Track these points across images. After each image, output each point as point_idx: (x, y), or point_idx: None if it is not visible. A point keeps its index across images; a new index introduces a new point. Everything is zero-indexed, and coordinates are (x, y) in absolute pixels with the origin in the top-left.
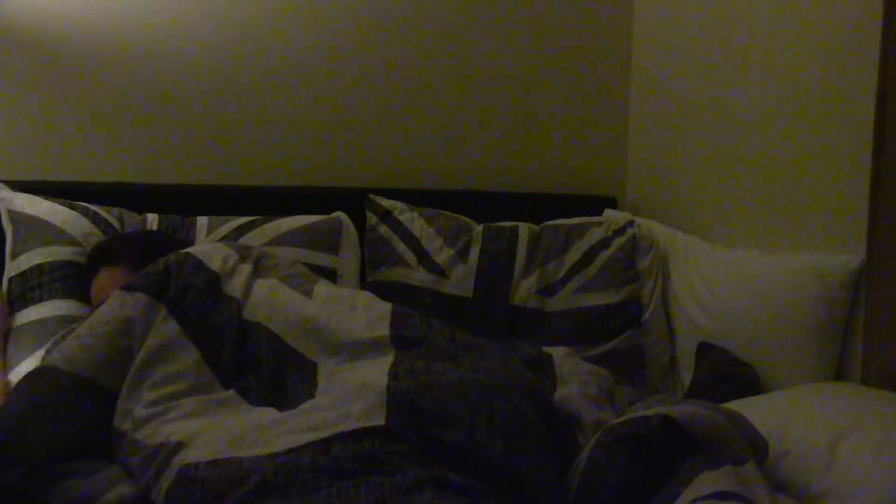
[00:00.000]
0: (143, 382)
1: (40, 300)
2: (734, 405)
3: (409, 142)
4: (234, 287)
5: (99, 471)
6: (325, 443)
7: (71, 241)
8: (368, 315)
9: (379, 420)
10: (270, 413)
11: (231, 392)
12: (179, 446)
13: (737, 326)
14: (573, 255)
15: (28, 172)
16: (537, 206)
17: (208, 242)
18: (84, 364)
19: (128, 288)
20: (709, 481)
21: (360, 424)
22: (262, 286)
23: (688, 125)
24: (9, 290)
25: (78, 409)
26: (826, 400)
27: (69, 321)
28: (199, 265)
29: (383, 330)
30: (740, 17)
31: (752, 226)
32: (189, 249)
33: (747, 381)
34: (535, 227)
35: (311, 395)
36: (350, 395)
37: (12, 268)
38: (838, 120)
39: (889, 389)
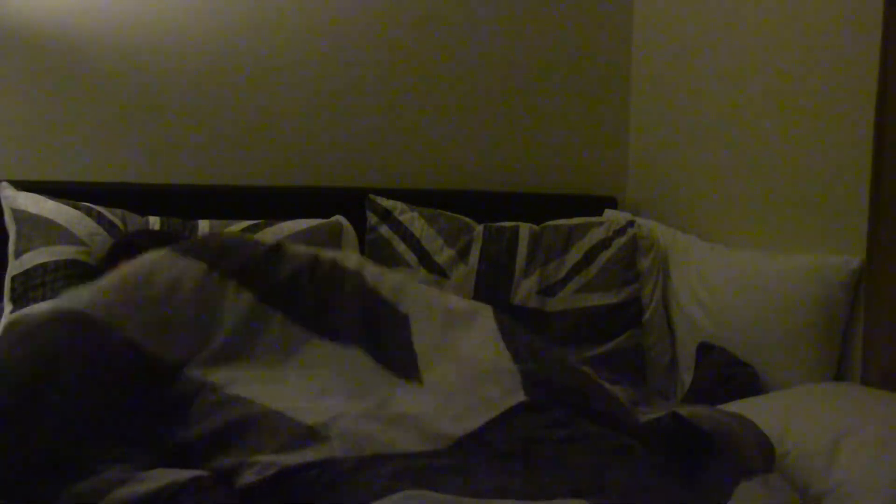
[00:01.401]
0: (226, 353)
1: (43, 299)
2: (734, 405)
3: (409, 142)
4: (300, 248)
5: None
6: (475, 436)
7: (74, 240)
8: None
9: (520, 397)
10: (384, 377)
11: (318, 341)
12: (309, 431)
13: (737, 326)
14: (574, 256)
15: (32, 172)
16: (538, 206)
17: None
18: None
19: (177, 251)
20: (750, 494)
21: (503, 407)
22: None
23: (688, 125)
24: (12, 289)
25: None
26: (826, 400)
27: None
28: (255, 241)
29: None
30: (740, 16)
31: (752, 226)
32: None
33: (747, 381)
34: (535, 227)
35: (412, 350)
36: (478, 379)
37: (15, 266)
38: (838, 120)
39: (889, 389)
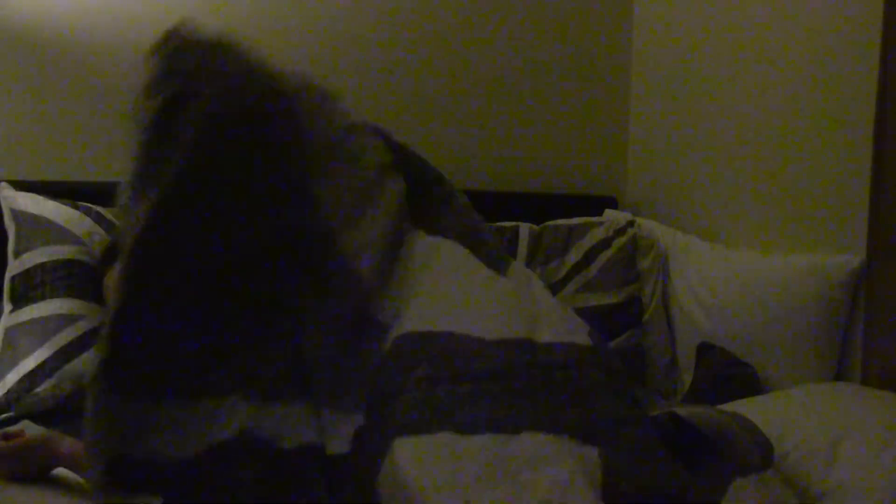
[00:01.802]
0: (374, 242)
1: (42, 298)
2: (734, 405)
3: (409, 142)
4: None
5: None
6: (533, 347)
7: (74, 240)
8: None
9: (586, 340)
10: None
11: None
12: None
13: (737, 326)
14: (574, 256)
15: (31, 172)
16: (538, 206)
17: None
18: None
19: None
20: (744, 491)
21: (569, 339)
22: None
23: (688, 125)
24: (11, 288)
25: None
26: (826, 400)
27: (71, 319)
28: None
29: None
30: (740, 17)
31: (752, 226)
32: None
33: (747, 381)
34: (535, 227)
35: (507, 255)
36: (556, 308)
37: (15, 266)
38: (838, 120)
39: (889, 389)
